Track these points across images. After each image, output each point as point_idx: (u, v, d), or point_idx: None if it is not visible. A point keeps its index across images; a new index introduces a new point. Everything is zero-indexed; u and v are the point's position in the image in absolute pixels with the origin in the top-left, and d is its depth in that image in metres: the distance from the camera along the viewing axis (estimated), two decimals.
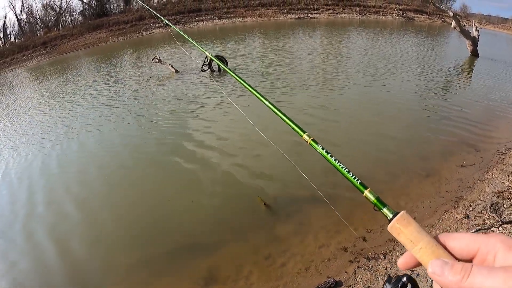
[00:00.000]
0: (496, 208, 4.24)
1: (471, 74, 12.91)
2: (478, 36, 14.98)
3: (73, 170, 7.13)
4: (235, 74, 1.50)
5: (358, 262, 3.86)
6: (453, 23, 14.31)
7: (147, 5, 43.14)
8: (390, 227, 0.54)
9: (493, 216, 4.05)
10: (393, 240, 4.14)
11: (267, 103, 1.23)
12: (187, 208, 5.46)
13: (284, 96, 10.27)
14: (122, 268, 4.42)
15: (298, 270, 3.97)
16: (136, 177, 6.66)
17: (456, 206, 4.64)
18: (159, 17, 3.62)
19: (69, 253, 4.77)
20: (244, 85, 1.38)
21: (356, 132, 7.61)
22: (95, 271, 4.48)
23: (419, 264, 0.48)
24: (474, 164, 5.86)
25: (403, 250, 3.94)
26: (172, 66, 15.16)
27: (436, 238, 0.47)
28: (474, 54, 15.04)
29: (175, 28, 2.93)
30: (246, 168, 6.39)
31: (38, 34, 40.60)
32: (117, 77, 16.43)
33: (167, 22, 3.26)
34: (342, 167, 0.75)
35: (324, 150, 0.82)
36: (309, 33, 27.84)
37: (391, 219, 0.54)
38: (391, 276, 0.67)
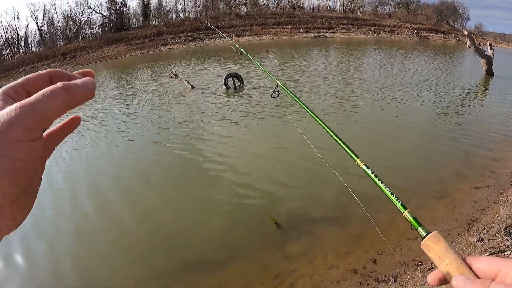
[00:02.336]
0: (511, 231, 4.15)
1: (486, 94, 12.74)
2: (493, 55, 14.83)
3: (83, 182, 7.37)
4: (296, 97, 2.02)
5: (368, 284, 3.82)
6: (468, 42, 14.25)
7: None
8: (422, 244, 0.60)
9: (507, 240, 3.96)
10: (404, 264, 4.09)
11: (325, 127, 1.45)
12: (197, 225, 5.50)
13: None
14: (129, 283, 4.47)
15: None
16: (145, 192, 6.73)
17: (469, 229, 4.56)
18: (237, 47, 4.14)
19: (76, 266, 4.89)
20: (304, 108, 1.79)
21: (367, 154, 7.55)
22: (101, 285, 4.53)
23: (446, 282, 0.53)
24: (489, 186, 5.75)
25: (413, 273, 3.88)
26: (188, 82, 15.48)
27: (463, 259, 0.52)
28: (489, 73, 14.86)
29: (249, 56, 3.32)
30: (258, 186, 6.45)
31: (58, 44, 42.11)
32: (134, 90, 16.86)
33: (242, 50, 3.55)
34: (388, 190, 0.87)
35: (373, 174, 0.96)
36: (325, 53, 28.05)
37: (424, 237, 0.60)
38: None
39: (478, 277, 0.48)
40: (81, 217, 5.99)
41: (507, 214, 4.65)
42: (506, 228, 4.24)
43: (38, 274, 4.72)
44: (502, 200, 5.15)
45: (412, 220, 0.72)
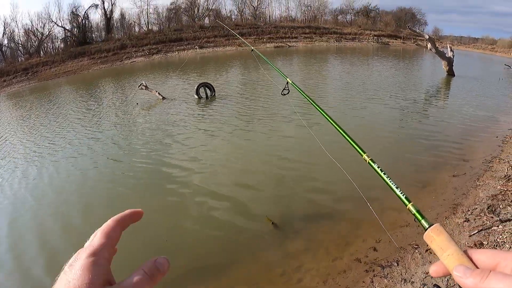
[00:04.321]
0: (493, 209, 4.55)
1: (449, 94, 13.67)
2: (453, 56, 15.93)
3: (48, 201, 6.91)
4: (306, 95, 2.12)
5: (373, 271, 4.01)
6: (429, 45, 15.22)
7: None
8: (425, 236, 0.62)
9: (492, 217, 4.34)
10: (402, 248, 4.34)
11: (334, 124, 1.55)
12: (193, 233, 5.44)
13: (265, 126, 10.48)
14: None
15: (316, 284, 4.03)
16: (143, 197, 6.61)
17: (455, 212, 4.93)
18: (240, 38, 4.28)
19: None
20: (313, 104, 1.89)
21: (341, 157, 7.83)
22: None
23: (448, 273, 0.54)
24: (465, 173, 6.23)
25: (413, 256, 4.14)
26: (158, 93, 15.37)
27: (464, 251, 0.54)
28: (450, 73, 15.90)
29: (257, 51, 3.33)
30: (248, 189, 6.53)
31: (20, 59, 40.30)
32: (101, 105, 16.34)
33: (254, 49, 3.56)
34: (393, 184, 0.90)
35: (379, 168, 1.01)
36: (288, 61, 28.71)
37: (427, 229, 0.63)
38: None
39: (477, 267, 0.50)
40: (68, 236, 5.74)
41: (486, 196, 5.08)
42: (488, 207, 4.64)
43: None
44: (479, 185, 5.61)
45: (415, 212, 0.75)
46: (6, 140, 11.80)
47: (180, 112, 12.85)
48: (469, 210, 4.83)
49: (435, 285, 0.69)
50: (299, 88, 2.44)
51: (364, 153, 1.16)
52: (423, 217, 0.71)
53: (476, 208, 4.80)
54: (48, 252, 5.31)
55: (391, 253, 4.30)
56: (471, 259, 0.51)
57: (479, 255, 0.51)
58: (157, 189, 6.90)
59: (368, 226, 5.01)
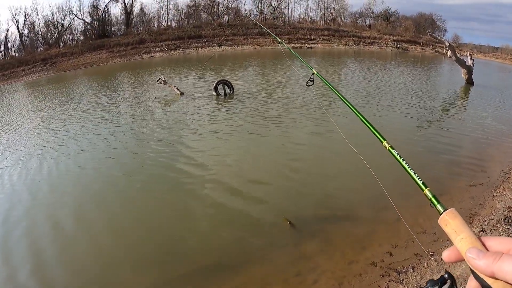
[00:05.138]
0: (510, 220, 4.59)
1: (468, 103, 13.53)
2: (473, 64, 15.70)
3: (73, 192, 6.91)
4: (330, 85, 2.12)
5: (389, 276, 4.11)
6: (449, 52, 15.00)
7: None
8: (440, 219, 0.63)
9: (508, 228, 4.38)
10: (418, 255, 4.42)
11: (356, 112, 1.59)
12: (207, 231, 5.50)
13: (283, 125, 10.61)
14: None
15: (331, 286, 4.13)
16: (154, 199, 6.54)
17: (471, 221, 4.98)
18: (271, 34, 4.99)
19: (83, 273, 4.65)
20: (339, 95, 1.94)
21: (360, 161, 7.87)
22: None
23: (460, 259, 0.55)
24: (482, 183, 6.26)
25: (429, 263, 4.22)
26: (177, 88, 15.51)
27: (477, 236, 0.55)
28: (469, 82, 15.69)
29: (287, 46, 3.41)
30: (265, 188, 6.64)
31: (39, 50, 41.21)
32: (121, 98, 16.47)
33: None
34: (411, 170, 0.93)
35: (398, 155, 1.03)
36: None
37: (442, 213, 0.64)
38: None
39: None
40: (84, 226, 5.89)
41: (503, 207, 5.12)
42: (505, 218, 4.68)
43: None
44: (496, 195, 5.64)
45: (432, 197, 0.77)
46: (16, 130, 11.96)
47: (199, 109, 12.89)
48: (485, 220, 4.88)
49: (446, 271, 0.74)
50: (324, 79, 2.41)
51: (384, 140, 1.18)
52: (438, 201, 0.74)
53: (493, 219, 4.85)
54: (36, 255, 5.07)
55: (406, 259, 4.39)
56: (484, 245, 0.53)
57: (491, 241, 0.53)
58: (169, 186, 6.95)
59: (384, 231, 5.11)
